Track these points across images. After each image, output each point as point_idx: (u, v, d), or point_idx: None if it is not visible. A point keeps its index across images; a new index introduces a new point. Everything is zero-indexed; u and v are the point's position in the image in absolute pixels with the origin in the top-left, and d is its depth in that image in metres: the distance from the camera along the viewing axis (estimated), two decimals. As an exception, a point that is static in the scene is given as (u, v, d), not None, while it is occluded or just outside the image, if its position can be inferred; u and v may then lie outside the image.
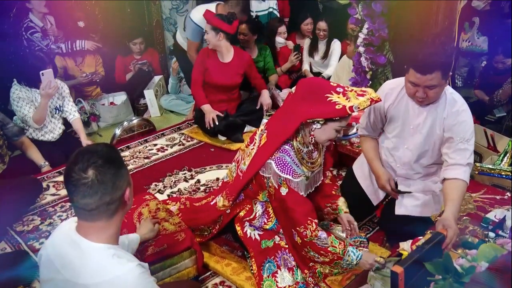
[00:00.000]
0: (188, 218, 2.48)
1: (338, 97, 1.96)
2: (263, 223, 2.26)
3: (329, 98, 1.96)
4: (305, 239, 2.07)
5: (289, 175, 2.06)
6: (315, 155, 2.21)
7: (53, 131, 3.54)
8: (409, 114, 2.32)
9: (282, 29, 4.74)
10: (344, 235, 2.45)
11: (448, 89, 2.26)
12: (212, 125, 3.69)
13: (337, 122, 2.01)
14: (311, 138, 2.07)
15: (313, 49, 4.79)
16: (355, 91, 2.01)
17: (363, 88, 2.07)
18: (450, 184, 2.19)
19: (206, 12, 3.67)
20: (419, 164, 2.40)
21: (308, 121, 2.01)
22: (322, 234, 2.07)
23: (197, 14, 3.94)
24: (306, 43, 4.85)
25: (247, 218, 2.27)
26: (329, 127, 2.02)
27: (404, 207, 2.43)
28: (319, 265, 2.16)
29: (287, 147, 2.08)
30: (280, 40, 4.74)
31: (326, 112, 1.97)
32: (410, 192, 2.44)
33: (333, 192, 2.38)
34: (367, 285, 2.09)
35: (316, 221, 2.09)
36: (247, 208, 2.28)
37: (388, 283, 1.92)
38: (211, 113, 3.70)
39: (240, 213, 2.29)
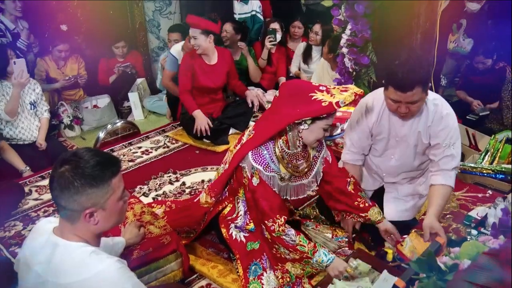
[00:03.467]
0: (173, 219, 2.48)
1: (323, 95, 1.98)
2: (245, 224, 2.25)
3: (314, 97, 1.98)
4: (273, 234, 2.10)
5: (261, 166, 2.07)
6: (300, 162, 2.20)
7: (30, 129, 3.51)
8: (394, 127, 2.29)
9: (275, 25, 4.52)
10: (330, 235, 2.46)
11: (430, 96, 2.20)
12: (204, 134, 3.63)
13: (324, 120, 2.03)
14: (299, 140, 2.08)
15: (307, 56, 4.57)
16: (338, 88, 2.04)
17: (345, 85, 2.10)
18: (436, 190, 2.23)
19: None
20: (405, 171, 2.41)
21: (295, 122, 2.02)
22: (290, 231, 2.09)
23: (176, 46, 4.13)
24: (299, 47, 4.65)
25: (230, 217, 2.27)
26: (317, 126, 2.04)
27: (393, 212, 2.42)
28: (290, 264, 2.17)
29: (269, 143, 2.10)
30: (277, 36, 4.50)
31: (313, 110, 1.98)
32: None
33: (360, 204, 2.28)
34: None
35: (285, 217, 2.11)
36: (230, 206, 2.28)
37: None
38: (203, 121, 3.62)
39: (224, 211, 2.29)
